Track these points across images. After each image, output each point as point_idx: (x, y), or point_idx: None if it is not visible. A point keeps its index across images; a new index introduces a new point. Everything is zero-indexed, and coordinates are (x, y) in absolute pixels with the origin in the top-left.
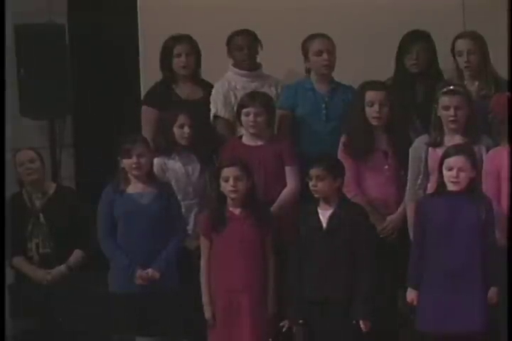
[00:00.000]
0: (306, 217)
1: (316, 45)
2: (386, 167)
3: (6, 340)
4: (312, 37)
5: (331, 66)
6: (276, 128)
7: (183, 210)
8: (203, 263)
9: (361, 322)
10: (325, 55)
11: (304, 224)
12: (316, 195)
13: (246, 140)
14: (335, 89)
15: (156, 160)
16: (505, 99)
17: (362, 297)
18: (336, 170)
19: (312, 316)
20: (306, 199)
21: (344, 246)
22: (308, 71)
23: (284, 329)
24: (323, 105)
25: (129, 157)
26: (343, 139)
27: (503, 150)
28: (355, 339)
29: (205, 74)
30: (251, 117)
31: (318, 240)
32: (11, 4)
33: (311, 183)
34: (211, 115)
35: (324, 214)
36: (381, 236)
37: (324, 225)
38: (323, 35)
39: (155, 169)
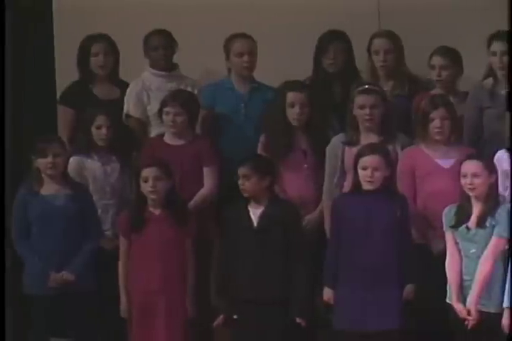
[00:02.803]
0: (237, 216)
1: (237, 47)
2: (305, 166)
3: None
4: (234, 37)
5: (251, 67)
6: (200, 128)
7: (99, 210)
8: (121, 263)
9: (298, 320)
10: (245, 57)
11: (234, 223)
12: (245, 194)
13: (168, 139)
14: (255, 89)
15: (74, 159)
16: (426, 97)
17: (298, 295)
18: (263, 169)
19: (244, 315)
20: (236, 198)
21: (276, 244)
22: (229, 70)
23: (215, 323)
24: (242, 105)
25: (45, 156)
26: (262, 139)
27: (416, 149)
28: (284, 338)
29: (124, 74)
30: (170, 117)
31: (250, 239)
32: None
33: (239, 182)
34: (123, 114)
35: (255, 213)
36: None
37: (255, 224)
38: (245, 36)
39: (73, 168)
